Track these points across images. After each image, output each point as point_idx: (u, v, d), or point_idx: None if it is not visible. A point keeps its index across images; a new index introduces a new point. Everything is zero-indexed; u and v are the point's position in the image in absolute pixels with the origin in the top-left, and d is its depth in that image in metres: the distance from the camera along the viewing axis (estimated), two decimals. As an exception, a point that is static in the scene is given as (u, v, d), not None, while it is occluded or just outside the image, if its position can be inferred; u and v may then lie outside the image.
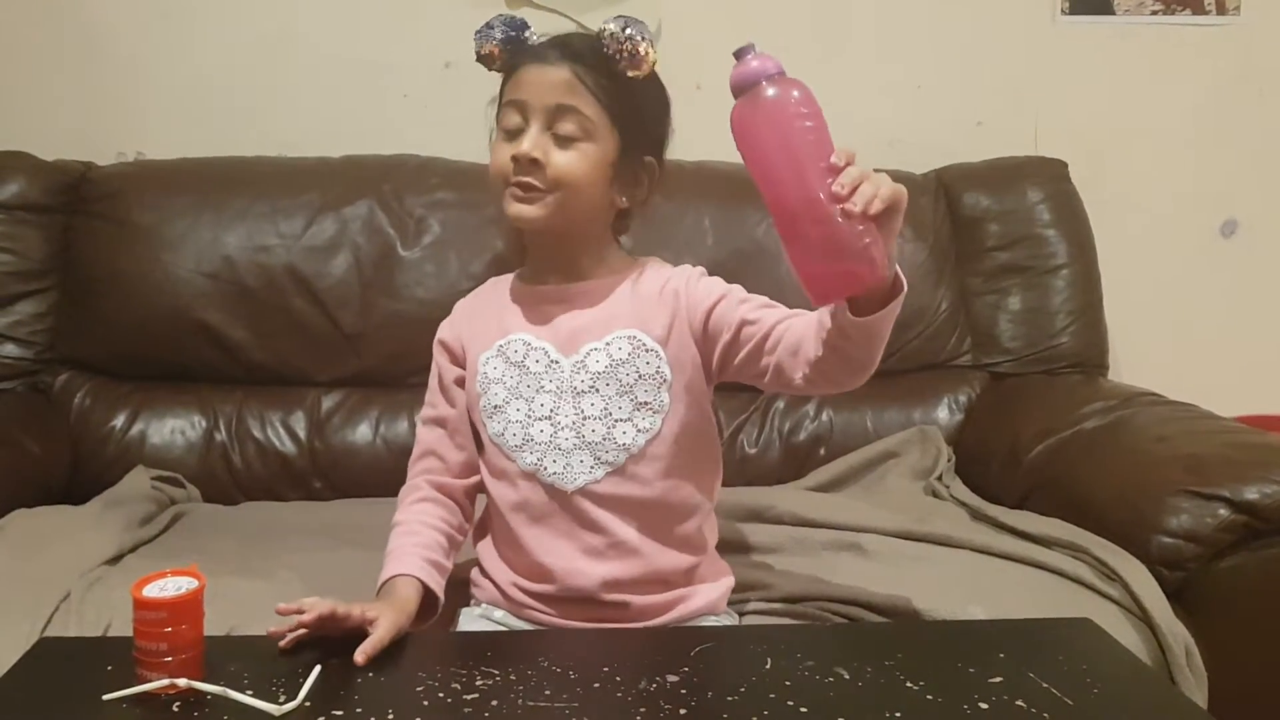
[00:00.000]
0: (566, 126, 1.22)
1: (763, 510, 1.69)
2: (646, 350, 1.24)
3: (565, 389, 1.24)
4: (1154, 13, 2.32)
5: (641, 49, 1.21)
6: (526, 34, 1.26)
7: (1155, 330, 2.34)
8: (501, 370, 1.27)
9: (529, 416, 1.25)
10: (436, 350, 1.35)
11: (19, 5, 2.16)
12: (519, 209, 1.23)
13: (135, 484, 1.82)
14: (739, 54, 1.03)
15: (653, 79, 1.25)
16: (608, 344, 1.24)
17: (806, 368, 1.14)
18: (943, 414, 2.07)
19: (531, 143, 1.21)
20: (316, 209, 2.00)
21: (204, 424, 1.95)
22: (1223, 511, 1.49)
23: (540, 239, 1.29)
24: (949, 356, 2.12)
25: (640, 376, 1.23)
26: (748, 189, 2.08)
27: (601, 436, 1.23)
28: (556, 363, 1.25)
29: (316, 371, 2.00)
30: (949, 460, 1.97)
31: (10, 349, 1.95)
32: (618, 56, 1.21)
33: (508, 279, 1.36)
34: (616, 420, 1.23)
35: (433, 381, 1.35)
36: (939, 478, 1.90)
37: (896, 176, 2.29)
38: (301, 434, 1.96)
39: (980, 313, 2.14)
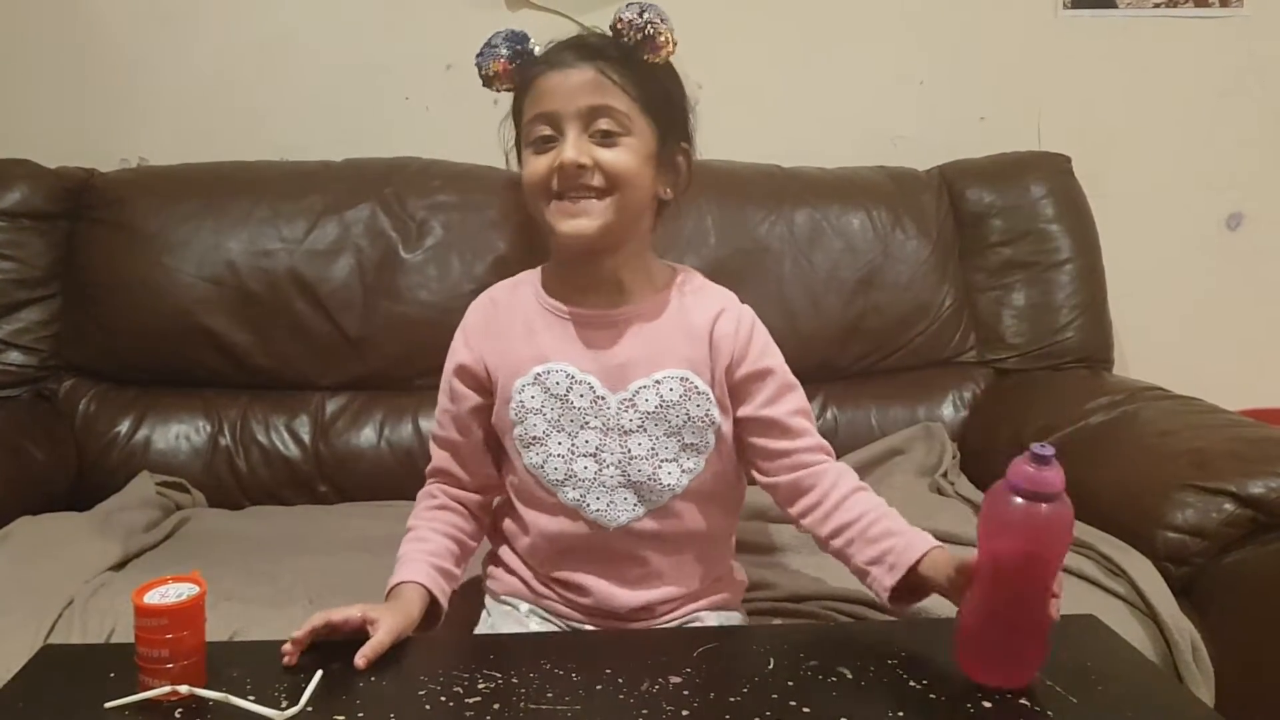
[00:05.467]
0: (604, 124, 1.16)
1: (767, 509, 1.67)
2: (698, 393, 1.21)
3: (612, 426, 1.20)
4: (1156, 5, 2.32)
5: (661, 34, 1.17)
6: (530, 45, 1.21)
7: (1160, 324, 2.33)
8: (541, 401, 1.21)
9: (572, 452, 1.21)
10: (455, 375, 1.27)
11: (21, 13, 2.17)
12: (574, 225, 1.17)
13: (140, 490, 1.83)
14: (1044, 458, 0.95)
15: (669, 63, 1.21)
16: (658, 383, 1.21)
17: (798, 524, 1.25)
18: (948, 410, 2.07)
19: (575, 148, 1.15)
20: (318, 213, 2.00)
21: (208, 429, 1.95)
22: (1228, 506, 1.48)
23: (585, 255, 1.22)
24: (953, 353, 2.12)
25: (690, 419, 1.21)
26: (749, 188, 2.12)
27: (647, 476, 1.21)
28: (603, 399, 1.20)
29: (320, 375, 2.00)
30: (954, 457, 1.96)
31: (15, 356, 1.95)
32: (637, 45, 1.17)
33: (529, 287, 1.28)
34: (662, 461, 1.21)
35: (445, 402, 1.29)
36: (944, 474, 1.90)
37: (899, 173, 2.31)
38: (306, 438, 1.96)
39: (984, 309, 2.13)
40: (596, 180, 1.16)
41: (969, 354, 2.13)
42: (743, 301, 1.28)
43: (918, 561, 1.12)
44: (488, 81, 1.22)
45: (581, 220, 1.17)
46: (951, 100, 2.31)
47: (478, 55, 1.21)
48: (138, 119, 2.20)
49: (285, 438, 1.96)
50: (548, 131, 1.17)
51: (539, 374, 1.22)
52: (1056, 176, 2.17)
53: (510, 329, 1.25)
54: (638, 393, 1.20)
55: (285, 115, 2.20)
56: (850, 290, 2.05)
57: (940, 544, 1.14)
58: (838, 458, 1.93)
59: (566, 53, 1.19)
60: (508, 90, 1.22)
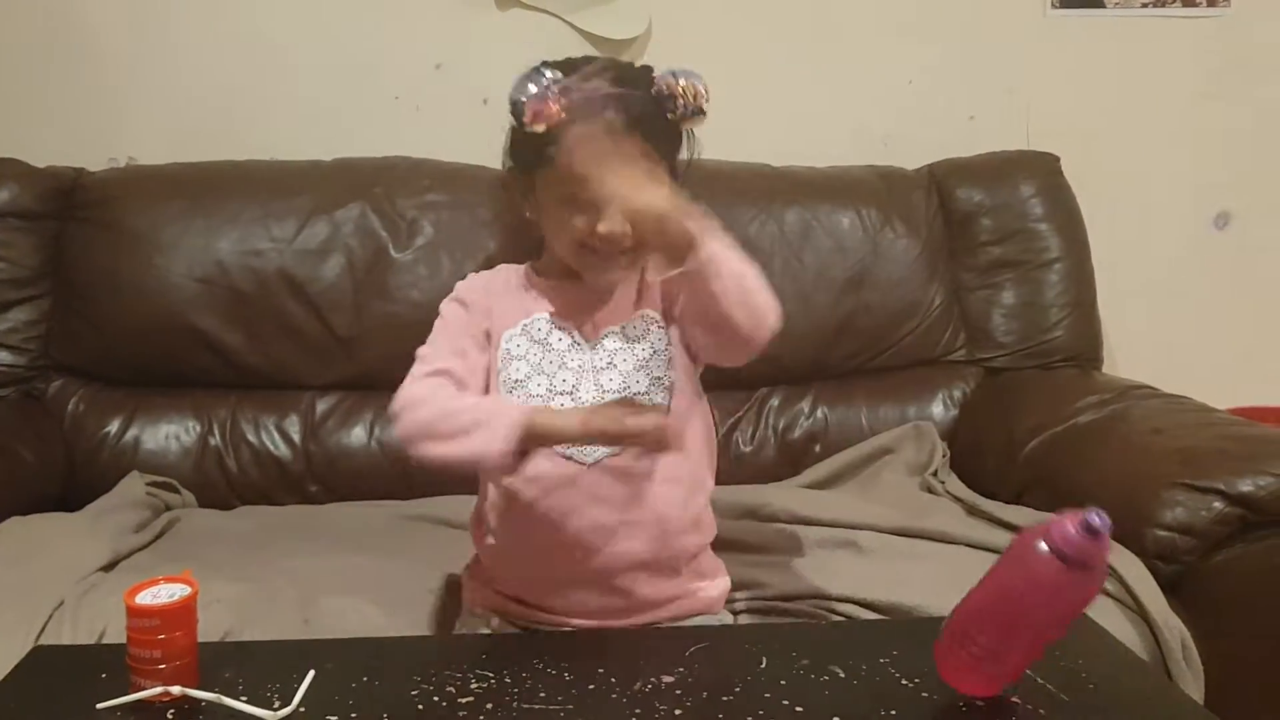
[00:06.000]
0: None
1: (758, 508, 1.69)
2: (657, 326, 1.29)
3: (586, 367, 1.27)
4: (1144, 5, 2.32)
5: (705, 109, 1.22)
6: (572, 80, 1.21)
7: (1149, 323, 2.34)
8: (525, 348, 1.28)
9: (550, 391, 1.26)
10: (456, 307, 1.32)
11: (9, 12, 2.15)
12: (605, 278, 1.27)
13: (130, 490, 1.82)
14: (1095, 531, 0.92)
15: None
16: (624, 326, 1.29)
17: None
18: (937, 409, 2.07)
19: (620, 223, 1.17)
20: (308, 212, 1.99)
21: (198, 429, 1.95)
22: (1218, 504, 1.49)
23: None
24: (943, 352, 2.12)
25: (654, 352, 1.27)
26: (739, 187, 2.12)
27: None
28: (579, 344, 1.28)
29: (310, 375, 1.99)
30: (944, 456, 1.97)
31: (3, 356, 1.94)
32: (680, 113, 1.21)
33: (519, 270, 1.37)
34: (635, 395, 1.25)
35: (445, 334, 1.30)
36: (934, 473, 1.91)
37: (889, 172, 2.31)
38: (296, 438, 1.96)
39: (974, 307, 2.14)
40: (628, 242, 1.20)
41: (959, 353, 2.13)
42: None
43: None
44: (522, 122, 1.19)
45: (612, 274, 1.27)
46: (941, 99, 2.31)
47: (523, 95, 1.18)
48: (127, 118, 2.19)
49: (275, 437, 1.96)
50: (589, 195, 1.20)
51: (525, 325, 1.30)
52: (1045, 176, 2.18)
53: (504, 292, 1.34)
54: (607, 336, 1.28)
55: (274, 114, 2.19)
56: (840, 289, 2.06)
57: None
58: (827, 456, 1.98)
59: (611, 113, 1.20)
60: (535, 130, 1.20)
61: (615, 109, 1.20)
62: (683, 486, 1.28)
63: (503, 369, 1.28)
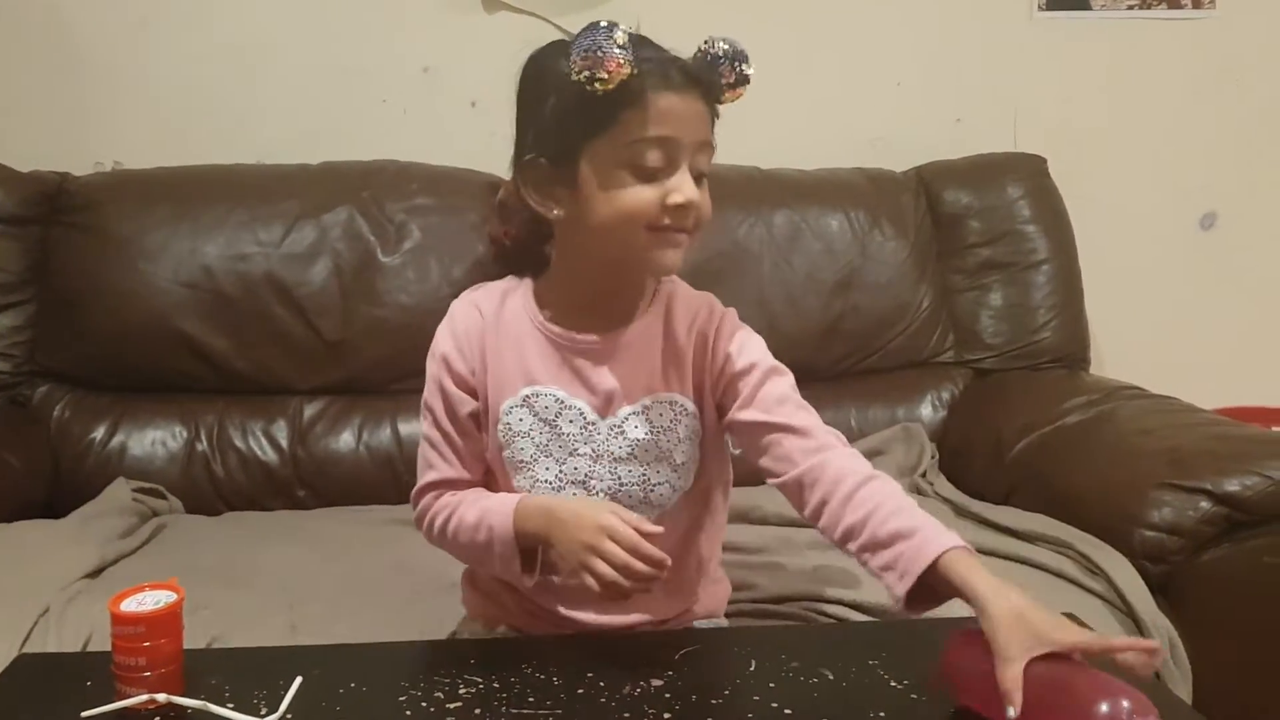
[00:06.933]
0: (704, 162, 1.12)
1: (748, 511, 1.68)
2: (686, 414, 1.18)
3: (602, 453, 1.17)
4: (1130, 7, 2.33)
5: (752, 77, 1.13)
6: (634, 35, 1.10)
7: (1136, 324, 2.35)
8: (529, 424, 1.17)
9: (560, 479, 1.17)
10: (452, 382, 1.18)
11: (-7, 16, 2.15)
12: (675, 257, 1.12)
13: (116, 496, 1.81)
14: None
15: None
16: (647, 408, 1.17)
17: (805, 514, 1.13)
18: (926, 411, 2.08)
19: (693, 188, 1.09)
20: (295, 216, 1.98)
21: (185, 434, 1.94)
22: (1204, 504, 1.49)
23: (611, 282, 1.18)
24: (932, 353, 2.13)
25: (679, 440, 1.17)
26: (728, 189, 2.11)
27: (638, 500, 1.18)
28: (593, 424, 1.17)
29: (298, 380, 1.99)
30: (933, 457, 1.97)
31: (-12, 362, 1.94)
32: (729, 86, 1.13)
33: (519, 300, 1.21)
34: (654, 485, 1.18)
35: (440, 408, 1.19)
36: (923, 475, 1.91)
37: (877, 174, 2.31)
38: (284, 443, 1.95)
39: (962, 309, 2.14)
40: (691, 220, 1.11)
41: (947, 354, 2.14)
42: (723, 303, 1.26)
43: (931, 566, 1.01)
44: (594, 77, 1.05)
45: (679, 253, 1.12)
46: (928, 102, 2.32)
47: (595, 48, 1.05)
48: (112, 122, 2.18)
49: (263, 443, 1.95)
50: (660, 161, 1.09)
51: (527, 396, 1.17)
52: (1033, 177, 2.19)
53: (499, 345, 1.19)
54: (627, 419, 1.17)
55: (261, 118, 2.19)
56: (829, 292, 2.06)
57: (966, 545, 1.02)
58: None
59: (675, 72, 1.10)
60: (601, 89, 1.06)
61: (677, 69, 1.11)
62: (691, 550, 1.24)
63: (506, 446, 1.17)
